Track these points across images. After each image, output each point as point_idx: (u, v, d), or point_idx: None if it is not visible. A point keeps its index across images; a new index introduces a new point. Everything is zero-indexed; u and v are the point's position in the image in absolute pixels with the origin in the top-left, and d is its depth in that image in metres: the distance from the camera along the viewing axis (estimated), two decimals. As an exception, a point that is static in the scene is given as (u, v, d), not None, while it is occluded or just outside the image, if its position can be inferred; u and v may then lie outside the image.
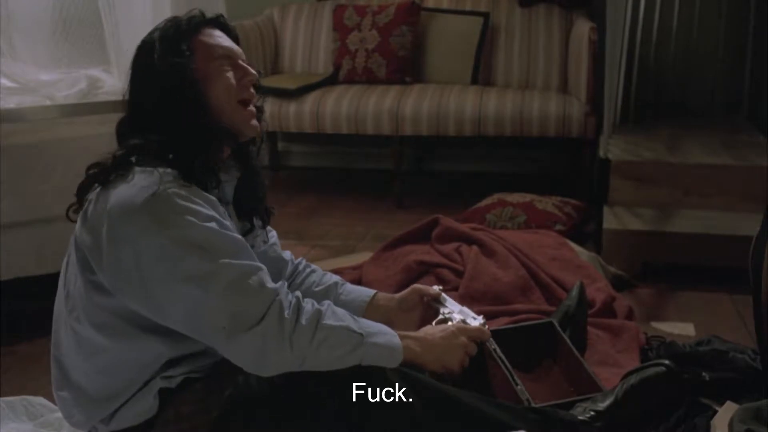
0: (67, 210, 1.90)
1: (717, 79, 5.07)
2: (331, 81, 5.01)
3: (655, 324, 3.15)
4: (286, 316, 1.72)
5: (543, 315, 2.89)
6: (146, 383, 1.84)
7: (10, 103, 3.27)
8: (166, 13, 3.40)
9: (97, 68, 3.64)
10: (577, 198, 4.24)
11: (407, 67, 4.99)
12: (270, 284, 1.75)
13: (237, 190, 2.03)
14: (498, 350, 2.24)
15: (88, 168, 1.87)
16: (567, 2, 4.99)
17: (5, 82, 3.55)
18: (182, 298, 1.71)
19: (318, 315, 1.77)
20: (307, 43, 5.32)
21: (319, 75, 5.11)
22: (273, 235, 2.29)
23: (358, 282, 3.16)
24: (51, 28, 3.73)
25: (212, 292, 1.69)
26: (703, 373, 2.56)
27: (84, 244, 1.81)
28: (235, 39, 2.01)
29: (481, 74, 5.03)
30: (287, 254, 2.31)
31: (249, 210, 2.10)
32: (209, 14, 1.97)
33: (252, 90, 1.97)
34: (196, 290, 1.69)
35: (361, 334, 1.80)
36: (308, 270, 2.30)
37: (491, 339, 2.18)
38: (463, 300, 3.01)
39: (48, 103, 3.38)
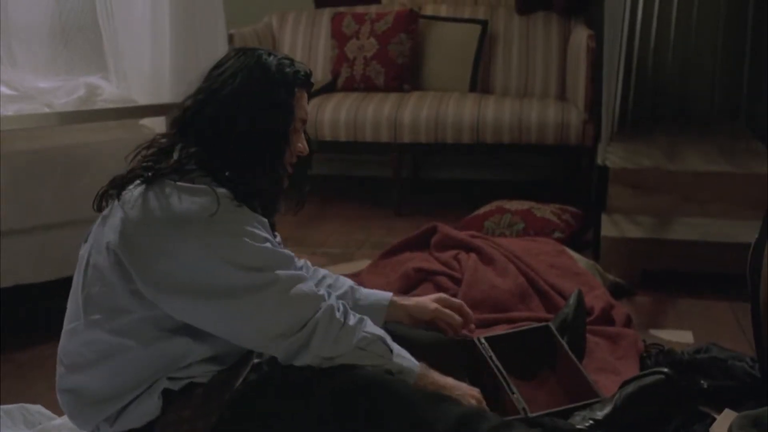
0: (98, 201, 1.93)
1: (715, 87, 5.08)
2: (329, 88, 5.01)
3: (653, 331, 3.14)
4: (337, 316, 1.87)
5: (541, 323, 2.88)
6: (152, 384, 1.85)
7: (9, 110, 3.27)
8: (164, 21, 3.41)
9: (95, 76, 3.64)
10: (576, 205, 4.24)
11: (406, 75, 4.99)
12: (319, 291, 1.91)
13: None
14: (494, 357, 2.23)
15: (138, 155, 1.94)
16: (565, 10, 4.99)
17: (4, 89, 3.55)
18: (238, 311, 1.80)
19: (362, 321, 1.92)
20: (306, 50, 5.33)
21: (317, 82, 5.11)
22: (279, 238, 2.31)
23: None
24: (50, 35, 3.73)
25: (269, 300, 1.81)
26: (702, 381, 2.56)
27: (125, 250, 1.82)
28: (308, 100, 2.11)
29: (480, 82, 5.03)
30: (300, 263, 2.32)
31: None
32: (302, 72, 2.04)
33: (298, 156, 2.07)
34: (251, 303, 1.80)
35: (391, 350, 1.92)
36: (315, 273, 2.32)
37: (486, 346, 2.26)
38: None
39: (47, 110, 3.38)
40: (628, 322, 3.03)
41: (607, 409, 2.18)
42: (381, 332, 1.95)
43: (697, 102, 5.13)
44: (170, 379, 1.84)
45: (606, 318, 3.00)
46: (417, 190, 5.31)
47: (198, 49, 3.54)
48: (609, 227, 3.75)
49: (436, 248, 3.47)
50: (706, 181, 3.86)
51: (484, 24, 5.04)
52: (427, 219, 3.83)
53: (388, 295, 2.29)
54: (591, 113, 4.46)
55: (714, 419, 2.38)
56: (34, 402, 2.51)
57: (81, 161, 3.19)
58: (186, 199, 1.80)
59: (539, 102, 4.71)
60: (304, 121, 2.02)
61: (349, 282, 2.30)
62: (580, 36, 4.60)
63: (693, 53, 5.06)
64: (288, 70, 1.96)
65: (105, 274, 1.85)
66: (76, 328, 1.91)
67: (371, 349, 1.89)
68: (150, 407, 1.85)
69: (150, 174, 1.85)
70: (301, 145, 2.04)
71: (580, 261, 3.48)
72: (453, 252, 3.41)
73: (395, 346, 1.95)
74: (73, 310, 1.93)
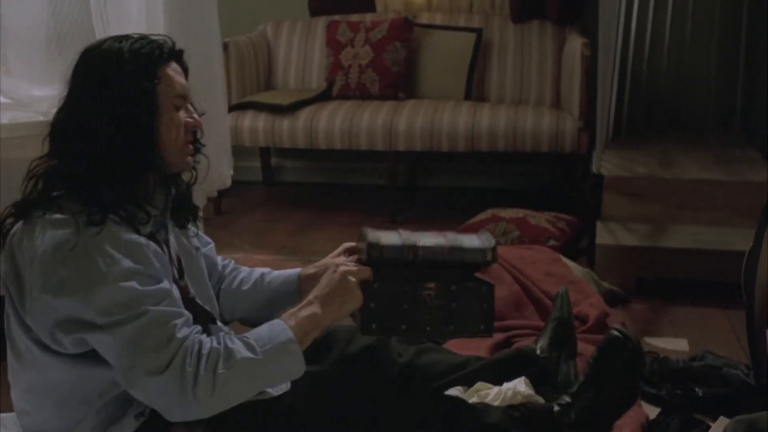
0: None
1: (710, 95, 5.09)
2: (324, 97, 5.02)
3: (648, 339, 3.14)
4: (187, 368, 1.68)
5: (536, 331, 2.88)
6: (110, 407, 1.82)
7: (4, 119, 3.27)
8: (159, 30, 3.41)
9: (90, 84, 3.63)
10: (571, 213, 4.25)
11: (400, 83, 5.00)
12: (180, 333, 1.71)
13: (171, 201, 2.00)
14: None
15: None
16: (560, 18, 5.00)
17: (-1, 98, 3.55)
18: (101, 345, 1.71)
19: (216, 358, 1.71)
20: (301, 58, 5.33)
21: (312, 91, 5.12)
22: (208, 243, 2.25)
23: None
24: (45, 43, 3.72)
25: (119, 339, 1.68)
26: (697, 389, 2.57)
27: (9, 286, 1.79)
28: (187, 74, 1.98)
29: (475, 90, 5.04)
30: (219, 260, 2.29)
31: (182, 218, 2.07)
32: (178, 46, 1.94)
33: (192, 130, 1.96)
34: (105, 341, 1.69)
35: (260, 358, 1.75)
36: (235, 272, 2.28)
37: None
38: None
39: (41, 119, 3.38)
40: (623, 330, 3.03)
41: (579, 381, 2.19)
42: (240, 349, 1.75)
43: (691, 110, 5.14)
44: (136, 417, 1.81)
45: (601, 326, 3.00)
46: (412, 198, 5.32)
47: (193, 57, 3.52)
48: (604, 235, 3.76)
49: (431, 256, 3.47)
50: (701, 189, 3.87)
51: (479, 32, 5.04)
52: (422, 227, 3.82)
53: (296, 270, 2.23)
54: (586, 121, 4.47)
55: (709, 427, 2.38)
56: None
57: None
58: (47, 234, 1.72)
59: (534, 110, 4.72)
60: (181, 96, 1.89)
61: (260, 271, 2.26)
62: (575, 44, 4.60)
63: (687, 61, 5.07)
64: (144, 51, 1.83)
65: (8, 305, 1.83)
66: (12, 377, 1.89)
67: (238, 379, 1.72)
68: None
69: (18, 210, 1.80)
70: (191, 120, 1.92)
71: (575, 269, 3.48)
72: (448, 260, 3.41)
73: (258, 338, 1.78)
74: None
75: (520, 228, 3.98)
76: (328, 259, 2.16)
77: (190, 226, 2.09)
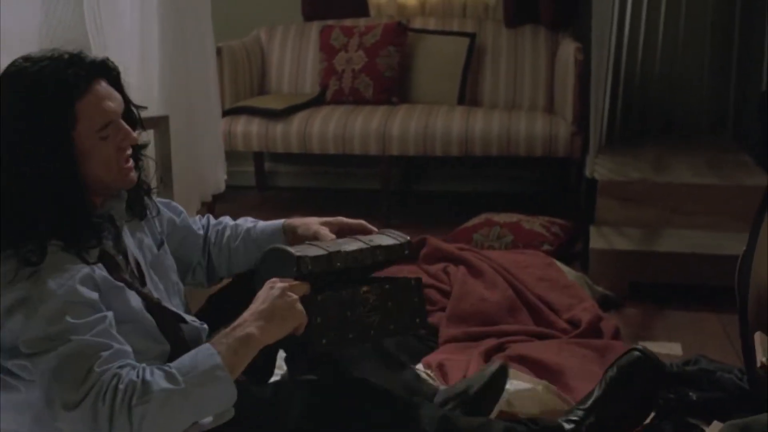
0: None
1: (702, 99, 5.10)
2: (318, 101, 5.02)
3: (642, 344, 3.13)
4: (100, 405, 1.62)
5: (531, 337, 2.89)
6: None
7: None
8: (153, 35, 3.41)
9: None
10: (564, 218, 4.25)
11: (394, 88, 5.00)
12: (100, 367, 1.65)
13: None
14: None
15: None
16: (553, 23, 5.01)
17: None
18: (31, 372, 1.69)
19: (131, 392, 1.63)
20: (294, 63, 5.33)
21: (306, 95, 5.12)
22: (180, 212, 2.23)
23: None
24: (37, 48, 3.71)
25: (41, 368, 1.66)
26: (691, 393, 2.57)
27: None
28: (117, 78, 1.88)
29: (468, 94, 5.04)
30: (197, 223, 2.27)
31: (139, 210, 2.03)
32: (93, 56, 1.83)
33: (129, 147, 1.87)
34: (33, 367, 1.68)
35: (182, 388, 1.66)
36: (220, 230, 2.27)
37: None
38: (450, 320, 3.02)
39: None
40: (616, 335, 3.03)
41: (594, 397, 2.19)
42: (158, 380, 1.67)
43: (684, 114, 5.14)
44: None
45: (594, 330, 3.01)
46: (406, 202, 5.31)
47: (187, 62, 3.54)
48: (597, 239, 3.76)
49: (425, 261, 3.47)
50: (694, 193, 3.88)
51: (472, 37, 5.05)
52: (416, 231, 3.82)
53: (280, 221, 2.23)
54: (579, 125, 4.47)
55: (703, 431, 2.38)
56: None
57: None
58: None
59: (527, 114, 4.72)
60: (107, 125, 1.78)
61: (244, 225, 2.25)
62: (568, 49, 4.61)
63: (680, 66, 5.08)
64: (56, 89, 1.72)
65: None
66: None
67: (157, 412, 1.64)
68: None
69: None
70: (123, 143, 1.83)
71: (569, 273, 3.48)
72: (442, 265, 3.41)
73: (182, 366, 1.71)
74: None
75: (513, 232, 3.98)
76: (313, 223, 2.16)
77: (148, 212, 2.05)
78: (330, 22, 5.29)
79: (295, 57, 5.33)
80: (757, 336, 2.52)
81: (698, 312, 3.46)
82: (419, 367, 2.68)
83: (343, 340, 1.95)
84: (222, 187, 3.99)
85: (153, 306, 1.89)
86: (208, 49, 3.76)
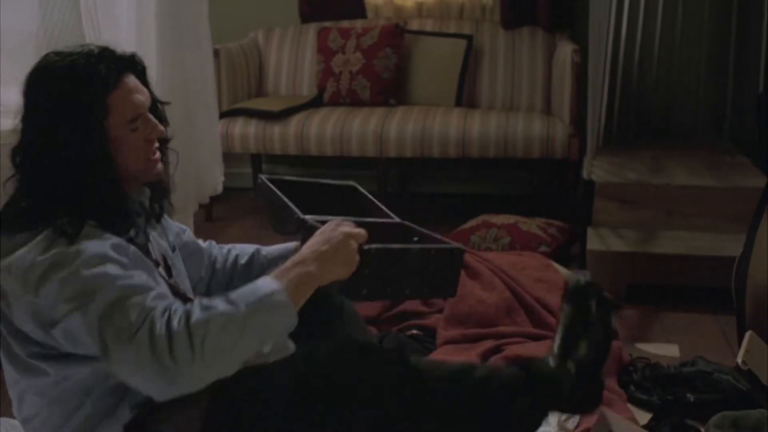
0: None
1: (699, 101, 5.10)
2: (315, 103, 5.02)
3: (639, 345, 3.15)
4: (157, 330, 1.61)
5: (528, 338, 2.89)
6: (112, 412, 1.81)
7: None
8: (150, 37, 3.41)
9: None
10: (562, 219, 4.26)
11: (391, 89, 5.00)
12: (151, 302, 1.66)
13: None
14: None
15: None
16: (550, 25, 5.01)
17: (-12, 105, 3.53)
18: (77, 329, 1.68)
19: (189, 315, 1.64)
20: (292, 65, 5.33)
21: (303, 97, 5.12)
22: (184, 229, 2.27)
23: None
24: (35, 50, 3.71)
25: (91, 316, 1.65)
26: (688, 394, 2.57)
27: None
28: (143, 74, 1.94)
29: (465, 96, 5.04)
30: (201, 242, 2.31)
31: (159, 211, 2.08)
32: (122, 51, 1.90)
33: (156, 140, 1.94)
34: (81, 317, 1.66)
35: (243, 311, 1.66)
36: (226, 250, 2.33)
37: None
38: (448, 322, 3.02)
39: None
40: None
41: (559, 337, 2.11)
42: (215, 303, 1.68)
43: (681, 116, 5.14)
44: (131, 409, 1.80)
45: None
46: (403, 204, 5.31)
47: (184, 64, 3.54)
48: (595, 241, 3.76)
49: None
50: (692, 195, 3.88)
51: (469, 38, 5.05)
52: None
53: (291, 244, 2.25)
54: (576, 127, 4.48)
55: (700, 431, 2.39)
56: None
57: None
58: (25, 247, 1.74)
59: (525, 116, 4.72)
60: (136, 117, 1.85)
61: (252, 246, 2.30)
62: (565, 50, 4.61)
63: (677, 67, 5.08)
64: (89, 82, 1.80)
65: None
66: (11, 387, 1.90)
67: (216, 335, 1.62)
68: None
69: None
70: (151, 135, 1.91)
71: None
72: (439, 266, 3.41)
73: (239, 295, 1.70)
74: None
75: (511, 234, 3.98)
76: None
77: (162, 220, 2.09)
78: (327, 23, 5.30)
79: (292, 59, 5.33)
80: (747, 335, 2.53)
81: (696, 313, 3.46)
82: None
83: (381, 293, 1.98)
84: (219, 189, 3.99)
85: (179, 296, 1.90)
86: (206, 51, 3.76)
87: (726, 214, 3.77)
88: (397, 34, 5.04)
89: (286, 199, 2.04)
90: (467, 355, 2.78)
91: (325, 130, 4.70)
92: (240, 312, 1.65)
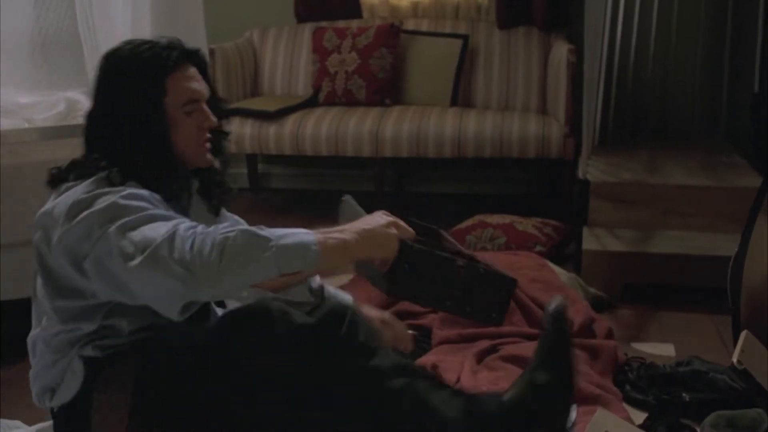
0: None
1: (695, 101, 5.10)
2: (310, 103, 5.01)
3: (635, 345, 3.15)
4: (182, 231, 1.75)
5: (524, 338, 2.88)
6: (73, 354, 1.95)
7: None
8: (146, 37, 3.40)
9: (75, 91, 3.63)
10: (557, 219, 4.25)
11: (387, 89, 5.00)
12: (178, 220, 1.81)
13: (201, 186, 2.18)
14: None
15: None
16: (546, 24, 5.01)
17: (-17, 105, 3.53)
18: (106, 252, 1.79)
19: (214, 231, 1.76)
20: (287, 65, 5.33)
21: (298, 97, 5.12)
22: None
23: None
24: (30, 50, 3.71)
25: (119, 230, 1.78)
26: (684, 394, 2.57)
27: (40, 245, 1.94)
28: (205, 70, 2.10)
29: (461, 96, 5.04)
30: None
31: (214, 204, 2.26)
32: (189, 45, 2.06)
33: (208, 130, 2.09)
34: (111, 235, 1.78)
35: (267, 238, 1.76)
36: None
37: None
38: (444, 322, 3.01)
39: (26, 125, 3.37)
40: (609, 336, 3.03)
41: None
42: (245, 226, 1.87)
43: (676, 116, 5.15)
44: (95, 346, 1.93)
45: (587, 331, 3.00)
46: (399, 204, 5.30)
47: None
48: (590, 241, 3.76)
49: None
50: (687, 195, 3.88)
51: (465, 38, 5.05)
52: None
53: (349, 297, 2.34)
54: (572, 127, 4.48)
55: (695, 431, 2.38)
56: (13, 417, 2.50)
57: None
58: (69, 193, 1.91)
59: (520, 116, 4.73)
60: (192, 102, 2.02)
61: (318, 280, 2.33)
62: (561, 50, 4.61)
63: (673, 67, 5.09)
64: (152, 63, 1.98)
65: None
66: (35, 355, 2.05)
67: (239, 247, 1.73)
68: (75, 377, 1.94)
69: (54, 177, 2.01)
70: (204, 123, 2.06)
71: (562, 275, 3.48)
72: (435, 266, 3.40)
73: (272, 231, 1.81)
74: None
75: (506, 234, 3.98)
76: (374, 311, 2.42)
77: (221, 213, 2.28)
78: (323, 23, 5.30)
79: (287, 59, 5.33)
80: (742, 335, 2.53)
81: (691, 313, 3.46)
82: (413, 368, 2.67)
83: (416, 296, 2.03)
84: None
85: None
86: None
87: (722, 213, 3.77)
88: (392, 34, 5.04)
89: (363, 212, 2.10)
90: (463, 355, 2.78)
91: (320, 130, 4.70)
92: (266, 236, 1.76)
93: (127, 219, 1.78)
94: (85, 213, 1.81)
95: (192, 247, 1.72)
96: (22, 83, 3.75)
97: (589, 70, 4.01)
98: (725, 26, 4.96)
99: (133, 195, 1.84)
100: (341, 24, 5.28)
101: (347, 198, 2.21)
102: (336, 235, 1.85)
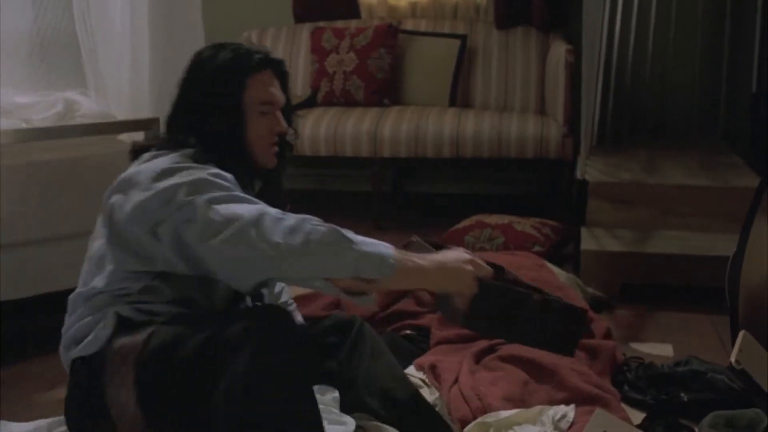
0: None
1: (693, 101, 5.11)
2: (309, 103, 5.01)
3: (633, 345, 3.15)
4: (272, 212, 1.87)
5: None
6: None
7: (-14, 126, 3.25)
8: (143, 37, 3.41)
9: (73, 91, 3.63)
10: (556, 219, 4.25)
11: (385, 90, 5.00)
12: (261, 204, 1.92)
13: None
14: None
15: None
16: (544, 25, 5.02)
17: (-19, 105, 3.52)
18: (184, 220, 1.89)
19: (304, 217, 1.89)
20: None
21: (297, 97, 5.11)
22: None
23: (336, 305, 3.16)
24: (28, 50, 3.71)
25: (204, 199, 1.89)
26: (682, 394, 2.57)
27: (109, 203, 2.04)
28: (285, 81, 2.24)
29: (459, 96, 5.05)
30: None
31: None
32: (276, 55, 2.21)
33: (277, 135, 2.21)
34: (191, 207, 1.89)
35: (352, 240, 1.87)
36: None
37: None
38: (442, 323, 3.01)
39: (24, 126, 3.36)
40: (607, 336, 3.03)
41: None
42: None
43: (675, 116, 5.15)
44: (133, 308, 1.97)
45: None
46: (397, 204, 5.31)
47: (177, 64, 3.51)
48: (589, 241, 3.76)
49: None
50: (686, 195, 3.88)
51: (463, 38, 5.05)
52: (407, 233, 3.80)
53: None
54: (570, 127, 4.48)
55: (693, 431, 2.38)
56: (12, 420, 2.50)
57: (59, 177, 3.17)
58: (156, 161, 2.02)
59: (519, 116, 4.73)
60: (268, 104, 2.15)
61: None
62: (559, 50, 4.61)
63: (671, 68, 5.09)
64: (236, 61, 2.13)
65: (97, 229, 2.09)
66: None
67: (322, 238, 1.86)
68: (104, 331, 1.96)
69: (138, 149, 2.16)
70: (278, 126, 2.18)
71: (560, 275, 3.48)
72: (433, 266, 3.40)
73: (357, 237, 1.91)
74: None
75: (505, 234, 3.98)
76: None
77: None
78: (321, 23, 5.30)
79: (286, 59, 5.26)
80: (740, 335, 2.53)
81: (689, 313, 3.46)
82: (411, 369, 2.67)
83: (493, 330, 2.13)
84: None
85: None
86: (199, 52, 3.75)
87: (720, 213, 3.78)
88: (391, 34, 5.04)
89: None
90: (462, 355, 2.78)
91: (319, 130, 4.70)
92: (349, 236, 1.87)
93: (215, 194, 1.90)
94: (171, 181, 1.93)
95: (282, 228, 1.83)
96: (20, 83, 3.75)
97: (587, 70, 4.02)
98: (723, 26, 4.97)
99: (219, 175, 1.97)
100: (339, 24, 5.28)
101: (416, 239, 2.24)
102: (415, 259, 1.94)
